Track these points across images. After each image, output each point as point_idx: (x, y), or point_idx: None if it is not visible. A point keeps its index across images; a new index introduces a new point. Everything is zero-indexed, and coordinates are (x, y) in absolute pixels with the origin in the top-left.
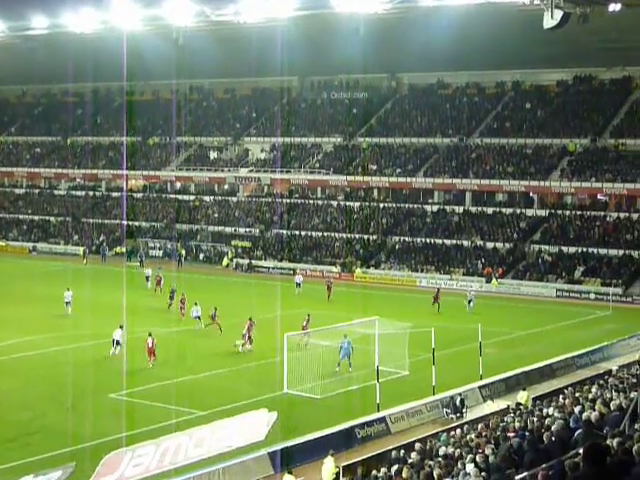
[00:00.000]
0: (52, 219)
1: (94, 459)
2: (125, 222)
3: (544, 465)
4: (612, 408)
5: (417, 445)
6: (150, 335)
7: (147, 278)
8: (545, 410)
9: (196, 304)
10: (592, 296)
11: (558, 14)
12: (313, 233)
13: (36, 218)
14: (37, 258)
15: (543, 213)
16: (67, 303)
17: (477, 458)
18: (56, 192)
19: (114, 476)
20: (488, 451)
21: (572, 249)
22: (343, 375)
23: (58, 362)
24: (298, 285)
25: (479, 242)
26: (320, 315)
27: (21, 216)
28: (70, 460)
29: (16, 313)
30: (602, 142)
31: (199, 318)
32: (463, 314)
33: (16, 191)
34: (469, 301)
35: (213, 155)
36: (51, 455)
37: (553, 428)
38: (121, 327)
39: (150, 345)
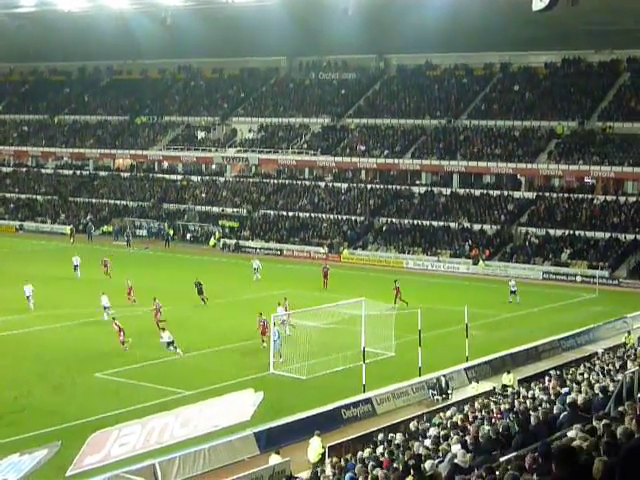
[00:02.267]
0: (39, 198)
1: (80, 438)
2: (112, 201)
3: (531, 446)
4: (597, 390)
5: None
6: (114, 319)
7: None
8: (531, 392)
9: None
10: (579, 279)
11: None
12: (301, 214)
13: (23, 197)
14: (24, 237)
15: (530, 195)
16: (28, 297)
17: (463, 439)
18: (43, 171)
19: (100, 455)
20: (474, 432)
21: (559, 232)
22: (328, 356)
23: (43, 341)
24: (255, 270)
25: (466, 224)
26: (307, 296)
27: (8, 194)
28: (56, 439)
29: (3, 292)
30: (590, 125)
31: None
32: (449, 295)
33: (3, 169)
34: (513, 292)
35: (201, 135)
36: (37, 434)
37: (539, 410)
38: (103, 293)
39: (117, 329)
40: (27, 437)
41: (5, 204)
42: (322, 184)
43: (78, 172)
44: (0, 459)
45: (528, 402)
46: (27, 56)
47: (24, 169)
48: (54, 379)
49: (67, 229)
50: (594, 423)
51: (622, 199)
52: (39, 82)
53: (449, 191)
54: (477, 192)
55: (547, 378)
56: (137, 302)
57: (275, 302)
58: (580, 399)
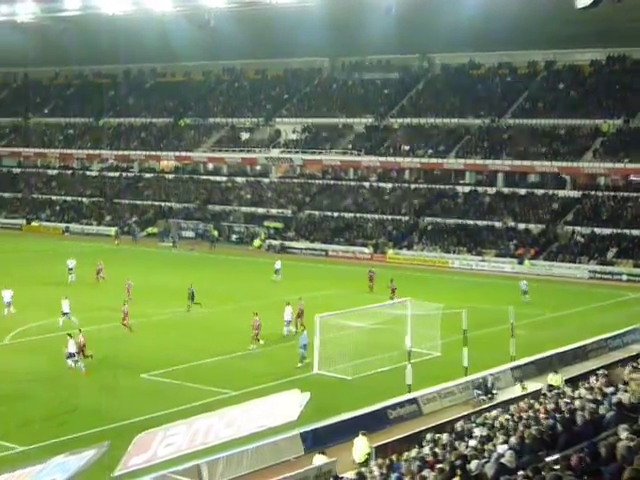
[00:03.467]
0: (85, 200)
1: (126, 439)
2: (157, 203)
3: (577, 447)
4: None
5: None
6: (80, 331)
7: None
8: (577, 392)
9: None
10: (625, 277)
11: None
12: (345, 214)
13: (69, 199)
14: (70, 239)
15: (576, 194)
16: (8, 304)
17: (509, 439)
18: (88, 173)
19: (146, 456)
20: (520, 432)
21: (605, 230)
22: (373, 356)
23: (90, 341)
24: (277, 272)
25: (511, 223)
26: (353, 296)
27: (54, 197)
28: (102, 439)
29: (48, 293)
30: (635, 123)
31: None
32: (494, 296)
33: (49, 172)
34: (524, 292)
35: (245, 136)
36: (84, 434)
37: (585, 410)
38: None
39: (82, 340)
40: (74, 437)
41: (51, 206)
42: (366, 184)
43: (123, 174)
44: (48, 459)
45: (574, 402)
46: (72, 59)
47: (70, 171)
48: (100, 380)
49: (112, 231)
50: None
51: None
52: (84, 85)
53: (494, 190)
54: (522, 191)
55: (594, 378)
56: (134, 300)
57: (322, 302)
58: (626, 399)
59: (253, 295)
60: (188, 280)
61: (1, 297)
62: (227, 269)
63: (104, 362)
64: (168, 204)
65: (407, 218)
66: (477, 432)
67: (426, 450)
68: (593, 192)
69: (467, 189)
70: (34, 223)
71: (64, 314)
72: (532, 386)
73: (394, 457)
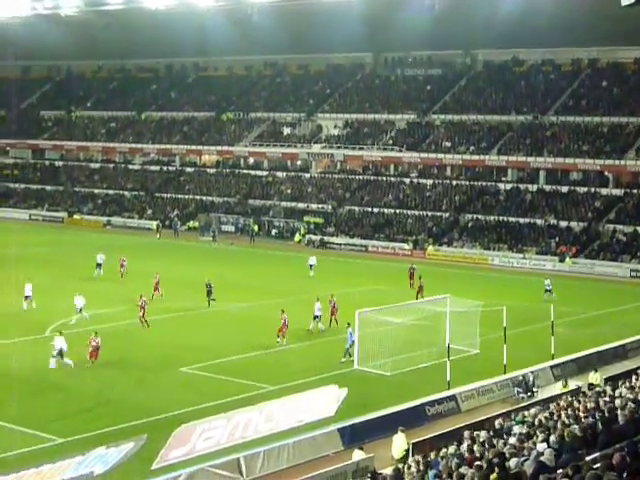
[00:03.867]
0: (126, 193)
1: (165, 432)
2: (198, 197)
3: (617, 446)
4: None
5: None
6: (96, 334)
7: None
8: (617, 391)
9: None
10: None
11: None
12: (385, 210)
13: (111, 192)
14: (111, 232)
15: (618, 192)
16: (26, 297)
17: (549, 437)
18: (130, 167)
19: (185, 449)
20: (559, 431)
21: None
22: (412, 352)
23: (130, 335)
24: (311, 267)
25: (553, 221)
26: (391, 292)
27: (96, 190)
28: (141, 432)
29: (89, 286)
30: None
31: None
32: (535, 293)
33: (91, 165)
34: (547, 290)
35: (286, 131)
36: (123, 427)
37: (626, 409)
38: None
39: (94, 344)
40: (114, 430)
41: (93, 200)
42: (407, 180)
43: (165, 168)
44: (87, 451)
45: (615, 401)
46: (115, 53)
47: (112, 165)
48: (139, 373)
49: (154, 224)
50: None
51: None
52: (127, 79)
53: (535, 187)
54: (564, 189)
55: (634, 377)
56: (164, 296)
57: (359, 298)
58: None
59: (291, 290)
60: (227, 273)
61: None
62: (266, 264)
63: (142, 356)
64: (209, 198)
65: (447, 214)
66: (516, 430)
67: (464, 447)
68: (635, 190)
69: (509, 186)
70: (76, 216)
71: (79, 310)
72: (572, 384)
73: (432, 454)
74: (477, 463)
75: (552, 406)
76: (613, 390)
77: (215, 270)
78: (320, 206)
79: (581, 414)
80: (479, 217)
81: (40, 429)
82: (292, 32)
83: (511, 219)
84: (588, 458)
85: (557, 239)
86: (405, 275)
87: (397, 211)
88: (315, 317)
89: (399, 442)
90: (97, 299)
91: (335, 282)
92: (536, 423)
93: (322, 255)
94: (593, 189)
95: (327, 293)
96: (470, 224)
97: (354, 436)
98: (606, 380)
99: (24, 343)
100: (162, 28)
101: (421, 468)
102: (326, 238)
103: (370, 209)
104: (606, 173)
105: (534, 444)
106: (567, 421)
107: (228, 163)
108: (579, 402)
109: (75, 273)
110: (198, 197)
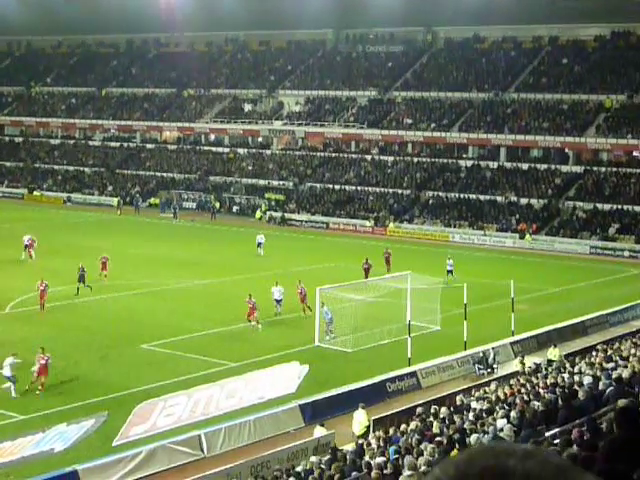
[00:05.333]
0: (87, 170)
1: (126, 409)
2: (159, 174)
3: (577, 421)
4: None
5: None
6: (42, 351)
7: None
8: (576, 367)
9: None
10: (626, 254)
11: None
12: (346, 187)
13: (71, 169)
14: (71, 208)
15: (578, 169)
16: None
17: (509, 414)
18: (91, 143)
19: (146, 425)
20: (519, 407)
21: (607, 206)
22: (373, 329)
23: (90, 312)
24: (259, 245)
25: (513, 198)
26: (353, 269)
27: (56, 167)
28: (102, 409)
29: (49, 263)
30: (639, 98)
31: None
32: (496, 270)
33: (51, 141)
34: (449, 271)
35: (247, 107)
36: (84, 404)
37: (585, 385)
38: None
39: (43, 362)
40: (74, 407)
41: (53, 176)
42: (368, 157)
43: (125, 144)
44: (48, 428)
45: (574, 377)
46: (75, 29)
47: (72, 141)
48: (101, 350)
49: (114, 201)
50: None
51: None
52: (87, 55)
53: (496, 165)
54: (524, 166)
55: (594, 353)
56: (108, 279)
57: (322, 274)
58: (626, 374)
59: (252, 267)
60: (190, 251)
61: None
62: (227, 241)
63: (103, 333)
64: (170, 175)
65: (409, 192)
66: (476, 406)
67: (425, 423)
68: (596, 168)
69: (469, 163)
70: (36, 193)
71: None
72: (532, 361)
73: (392, 430)
74: (437, 439)
75: (512, 382)
76: (572, 366)
77: (176, 246)
78: (281, 183)
79: (541, 390)
80: (440, 194)
81: (0, 406)
82: (253, 8)
83: (472, 196)
84: (548, 434)
85: (517, 216)
86: (380, 256)
87: (358, 188)
88: (277, 301)
89: (360, 418)
90: (52, 277)
91: (296, 259)
92: (495, 399)
93: (283, 232)
94: (553, 166)
95: (288, 270)
96: (431, 201)
97: (315, 413)
98: (566, 356)
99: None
100: (123, 3)
101: (382, 444)
102: (287, 215)
103: (331, 186)
104: (566, 150)
105: (494, 420)
106: (527, 397)
107: (189, 139)
108: (538, 378)
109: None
110: (159, 174)
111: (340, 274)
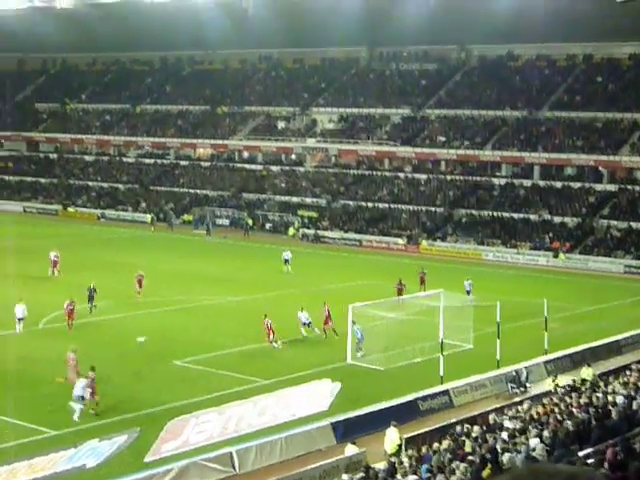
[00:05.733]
0: (121, 186)
1: (158, 425)
2: (192, 190)
3: (610, 441)
4: None
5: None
6: (73, 351)
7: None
8: (610, 386)
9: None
10: None
11: None
12: (380, 204)
13: (105, 185)
14: (105, 224)
15: (612, 188)
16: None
17: (542, 433)
18: (125, 160)
19: (178, 442)
20: (552, 426)
21: None
22: (406, 347)
23: (124, 328)
24: (286, 262)
25: (547, 216)
26: (386, 287)
27: (90, 183)
28: (134, 425)
29: (83, 279)
30: None
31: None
32: (529, 288)
33: (86, 158)
34: (468, 292)
35: (281, 125)
36: (116, 420)
37: (618, 404)
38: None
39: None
40: (107, 423)
41: (87, 192)
42: (402, 175)
43: (159, 161)
44: (80, 444)
45: (608, 397)
46: (110, 46)
47: (106, 158)
48: (134, 366)
49: (148, 217)
50: None
51: None
52: (122, 72)
53: (530, 183)
54: (558, 184)
55: (628, 372)
56: (142, 297)
57: (356, 292)
58: None
59: (284, 284)
60: (222, 267)
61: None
62: (260, 257)
63: (136, 349)
64: (203, 192)
65: (442, 209)
66: (509, 425)
67: (457, 442)
68: (630, 186)
69: (503, 181)
70: (70, 209)
71: (19, 320)
72: (565, 380)
73: (424, 448)
74: (469, 458)
75: (545, 401)
76: (606, 386)
77: (210, 263)
78: (314, 200)
79: (574, 410)
80: (473, 212)
81: (33, 421)
82: (287, 26)
83: (505, 214)
84: (581, 453)
85: (551, 234)
86: (414, 275)
87: (391, 206)
88: (305, 324)
89: (392, 437)
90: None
91: (329, 277)
92: (529, 418)
93: (316, 249)
94: (587, 184)
95: (321, 288)
96: (464, 219)
97: (347, 430)
98: (599, 376)
99: (16, 336)
100: (158, 21)
101: (414, 463)
102: (320, 232)
103: (364, 203)
104: (600, 168)
105: (527, 439)
106: (560, 417)
107: (223, 156)
108: (572, 398)
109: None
110: (192, 190)
111: (373, 292)
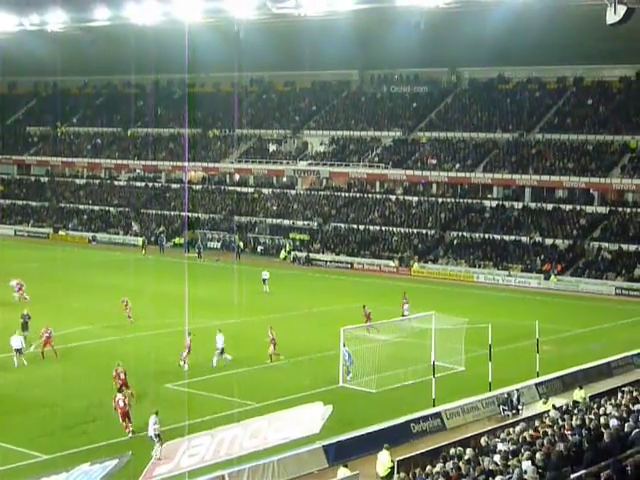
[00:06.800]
0: (112, 209)
1: (150, 449)
2: (184, 214)
3: (603, 464)
4: None
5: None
6: (119, 365)
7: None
8: (602, 408)
9: None
10: None
11: (622, 9)
12: (371, 227)
13: (96, 208)
14: (97, 248)
15: (603, 210)
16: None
17: (534, 455)
18: (116, 183)
19: (170, 465)
20: (545, 448)
21: (632, 247)
22: (398, 370)
23: (115, 351)
24: (264, 282)
25: (538, 238)
26: (376, 309)
27: (81, 206)
28: (126, 449)
29: (74, 302)
30: None
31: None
32: (520, 310)
33: (77, 181)
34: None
35: (272, 148)
36: (107, 444)
37: (611, 426)
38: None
39: (121, 378)
40: (98, 447)
41: (79, 215)
42: (393, 197)
43: (150, 184)
44: (72, 468)
45: (600, 419)
46: (101, 69)
47: (97, 181)
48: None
49: (139, 241)
50: None
51: None
52: (113, 95)
53: (521, 205)
54: (549, 206)
55: (619, 394)
56: (133, 319)
57: (346, 315)
58: None
59: (277, 307)
60: (213, 290)
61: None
62: (251, 280)
63: (128, 372)
64: (195, 214)
65: (433, 232)
66: (501, 447)
67: (449, 465)
68: (621, 208)
69: (494, 203)
70: (61, 232)
71: (17, 351)
72: (557, 402)
73: (417, 471)
74: None
75: (537, 423)
76: (598, 408)
77: (200, 286)
78: (306, 223)
79: (567, 432)
80: (464, 234)
81: (24, 445)
82: (278, 49)
83: (496, 236)
84: (573, 476)
85: (542, 257)
86: (394, 294)
87: (383, 228)
88: (219, 350)
89: (384, 459)
90: (77, 316)
91: (320, 299)
92: (521, 441)
93: (307, 272)
94: (578, 207)
95: (312, 310)
96: (455, 241)
97: (339, 453)
98: (591, 398)
99: (8, 359)
100: (149, 44)
101: None
102: (312, 255)
103: (356, 226)
104: (591, 191)
105: (519, 462)
106: (552, 439)
107: (214, 179)
108: (564, 420)
109: (64, 288)
110: (184, 213)
111: (364, 314)
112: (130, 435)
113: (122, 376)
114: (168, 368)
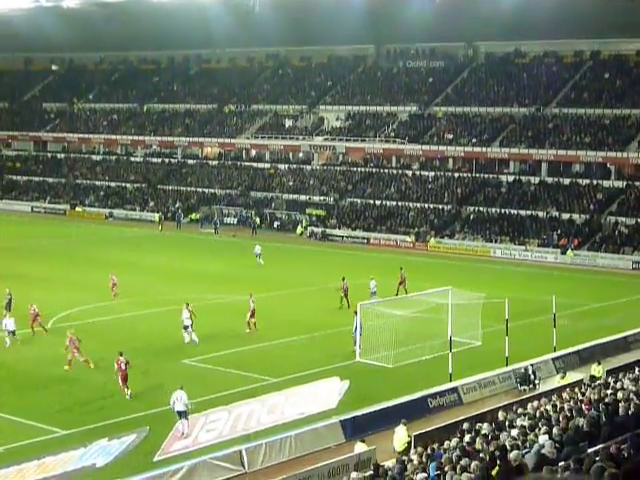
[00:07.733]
0: (128, 186)
1: (167, 424)
2: (200, 189)
3: (620, 438)
4: None
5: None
6: (121, 355)
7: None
8: (620, 383)
9: None
10: None
11: None
12: (387, 202)
13: (113, 184)
14: (113, 224)
15: (620, 184)
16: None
17: (551, 430)
18: (132, 159)
19: (187, 441)
20: (562, 423)
21: None
22: (414, 345)
23: (132, 327)
24: (258, 256)
25: (555, 213)
26: (394, 284)
27: (98, 182)
28: (143, 424)
29: (92, 278)
30: None
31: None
32: (537, 285)
33: (93, 158)
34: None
35: (288, 123)
36: (125, 419)
37: (629, 401)
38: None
39: (122, 368)
40: (116, 422)
41: (95, 192)
42: (409, 173)
43: (167, 160)
44: (90, 443)
45: (617, 393)
46: (117, 45)
47: (114, 157)
48: (142, 365)
49: (156, 217)
50: None
51: None
52: (129, 71)
53: (537, 180)
54: (566, 181)
55: (637, 369)
56: (118, 295)
57: (361, 291)
58: None
59: (293, 283)
60: (230, 266)
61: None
62: (268, 256)
63: (144, 348)
64: (211, 190)
65: (449, 207)
66: (518, 422)
67: (466, 439)
68: (638, 182)
69: (511, 178)
70: (78, 208)
71: (9, 332)
72: (574, 377)
73: (434, 446)
74: (479, 455)
75: (554, 398)
76: (615, 382)
77: (219, 261)
78: (322, 198)
79: (584, 406)
80: (481, 209)
81: (42, 421)
82: (294, 24)
83: (513, 211)
84: (590, 450)
85: (559, 231)
86: (411, 269)
87: (399, 203)
88: (185, 326)
89: (401, 434)
90: (94, 292)
91: (337, 274)
92: (538, 415)
93: (324, 247)
94: (595, 181)
95: (327, 285)
96: (472, 216)
97: (356, 428)
98: (608, 372)
99: (26, 336)
100: (164, 20)
101: (423, 460)
102: (328, 230)
103: (372, 201)
104: (608, 165)
105: (536, 437)
106: (569, 414)
107: (230, 155)
108: (582, 394)
109: (84, 264)
110: (200, 189)
111: (380, 290)
112: (128, 398)
113: (123, 367)
114: (184, 344)
